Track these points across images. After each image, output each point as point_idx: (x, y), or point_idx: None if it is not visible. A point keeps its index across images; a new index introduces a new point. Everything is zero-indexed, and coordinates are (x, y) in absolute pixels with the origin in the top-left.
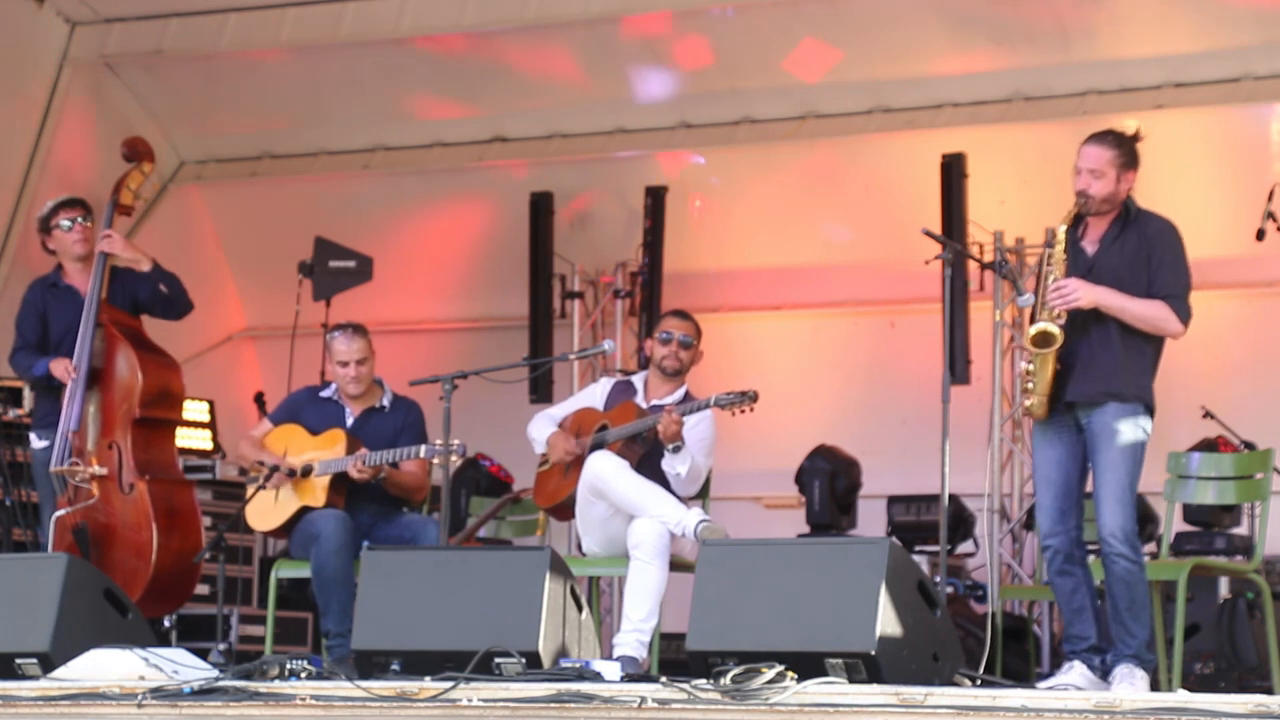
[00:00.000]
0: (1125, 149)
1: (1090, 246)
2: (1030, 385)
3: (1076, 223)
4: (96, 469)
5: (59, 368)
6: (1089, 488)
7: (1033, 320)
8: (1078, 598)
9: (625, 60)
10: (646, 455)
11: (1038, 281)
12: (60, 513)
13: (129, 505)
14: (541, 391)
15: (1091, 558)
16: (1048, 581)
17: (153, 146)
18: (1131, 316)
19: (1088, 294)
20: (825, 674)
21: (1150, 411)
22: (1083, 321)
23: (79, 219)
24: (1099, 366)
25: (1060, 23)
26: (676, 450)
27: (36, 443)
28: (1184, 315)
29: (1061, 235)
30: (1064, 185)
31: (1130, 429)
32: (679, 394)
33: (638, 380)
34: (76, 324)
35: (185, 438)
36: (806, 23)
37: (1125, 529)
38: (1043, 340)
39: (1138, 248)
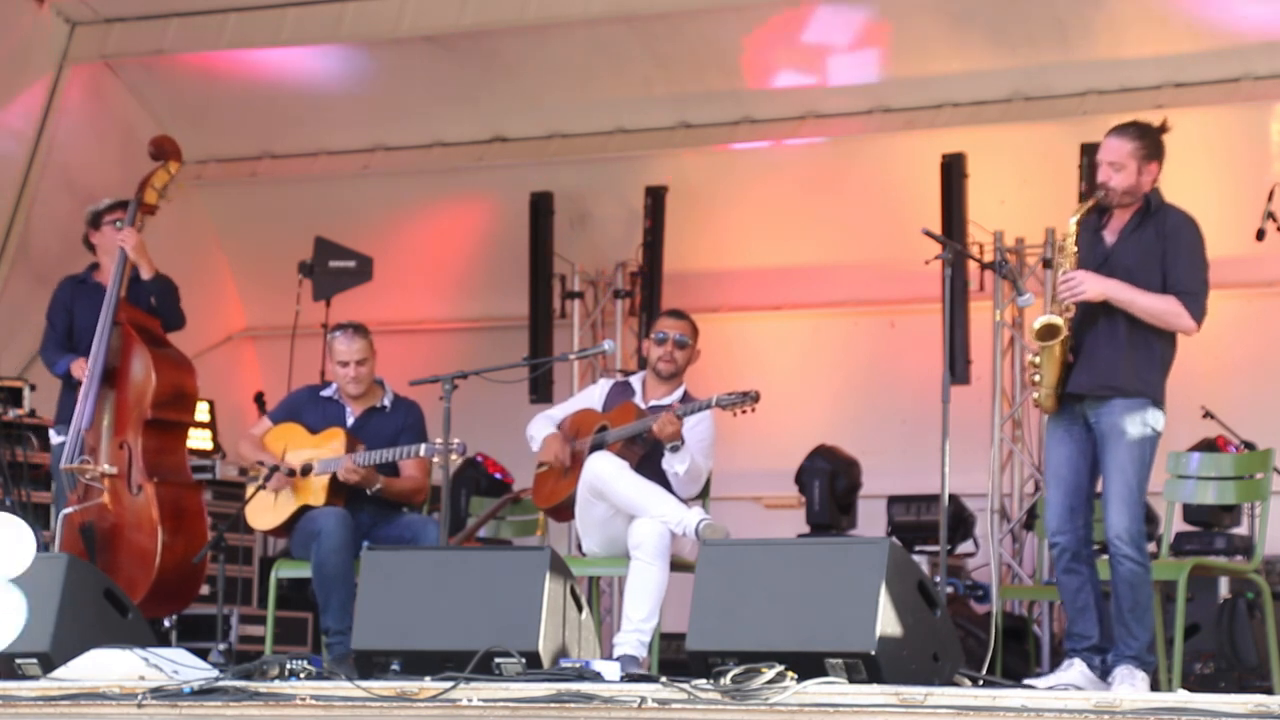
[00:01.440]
0: (1148, 140)
1: (1110, 236)
2: (1037, 378)
3: (1100, 213)
4: (107, 468)
5: (78, 368)
6: (1099, 487)
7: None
8: (1082, 596)
9: (625, 60)
10: (646, 455)
11: (1051, 273)
12: (68, 510)
13: (136, 506)
14: (541, 391)
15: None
16: (1048, 581)
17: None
18: (1140, 310)
19: (1095, 286)
20: (825, 674)
21: (1158, 406)
22: (1092, 315)
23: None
24: (1102, 360)
25: (1060, 23)
26: (676, 450)
27: (55, 438)
28: (1197, 312)
29: (1072, 228)
30: (1064, 185)
31: (1138, 428)
32: (678, 394)
33: (635, 381)
34: (98, 322)
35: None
36: (806, 23)
37: (1131, 531)
38: (1047, 333)
39: (1154, 243)
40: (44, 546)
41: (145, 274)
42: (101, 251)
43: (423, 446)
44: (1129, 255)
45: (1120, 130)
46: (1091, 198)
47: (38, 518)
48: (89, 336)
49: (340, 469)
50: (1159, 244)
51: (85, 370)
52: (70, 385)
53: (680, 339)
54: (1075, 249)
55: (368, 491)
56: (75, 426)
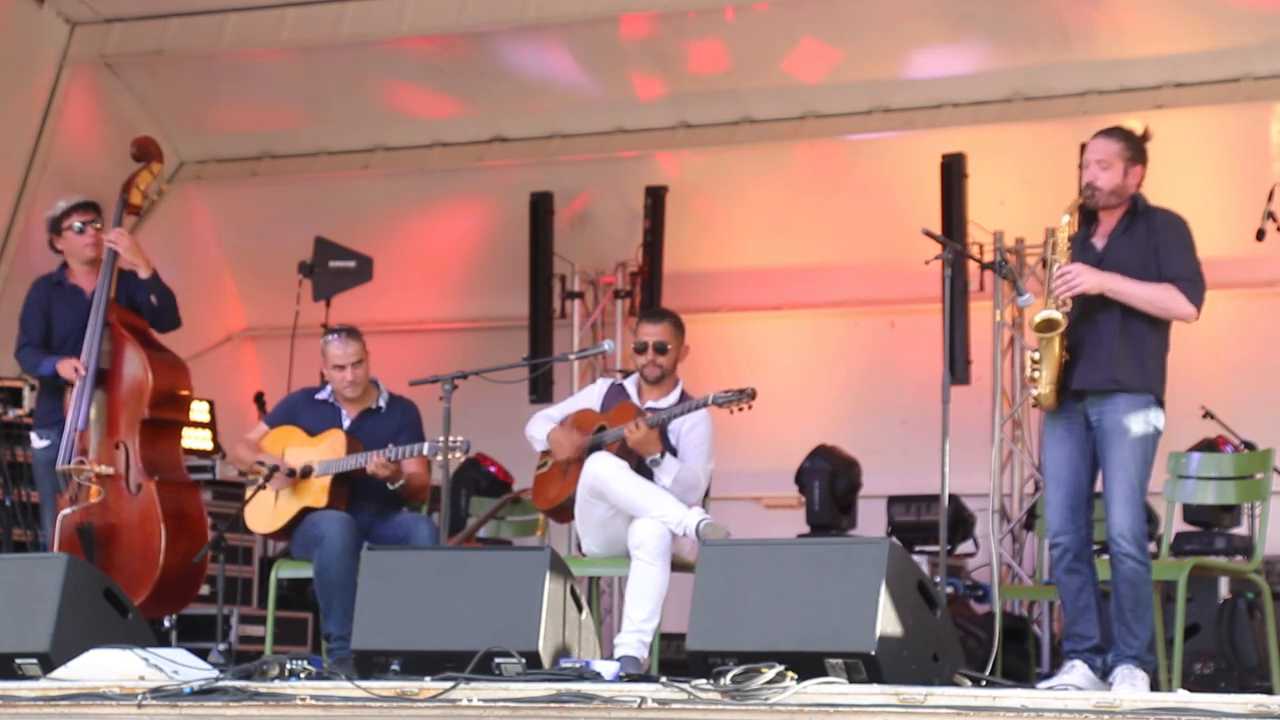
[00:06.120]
0: (1132, 144)
1: (1100, 241)
2: (1037, 374)
3: (1089, 219)
4: (102, 468)
5: (66, 368)
6: (1099, 487)
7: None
8: (1083, 597)
9: (625, 60)
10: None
11: (1046, 271)
12: (66, 511)
13: (136, 506)
14: (541, 391)
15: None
16: (1048, 581)
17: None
18: (1138, 300)
19: (1091, 278)
20: (825, 674)
21: (1160, 403)
22: (1090, 310)
23: (92, 222)
24: (1104, 355)
25: (1060, 23)
26: (656, 463)
27: (37, 442)
28: (1195, 297)
29: (1064, 223)
30: (1064, 185)
31: (1140, 425)
32: (674, 394)
33: (630, 384)
34: (80, 324)
35: (185, 437)
36: (806, 23)
37: (1134, 529)
38: (1046, 326)
39: (1146, 240)
40: (43, 547)
41: (143, 273)
42: (68, 255)
43: (426, 445)
44: (1122, 255)
45: (1107, 133)
46: (1079, 197)
47: (37, 518)
48: (71, 339)
49: (370, 463)
50: (1151, 240)
51: (74, 370)
52: (53, 386)
53: (659, 344)
54: (1068, 245)
55: (390, 486)
56: (70, 427)
